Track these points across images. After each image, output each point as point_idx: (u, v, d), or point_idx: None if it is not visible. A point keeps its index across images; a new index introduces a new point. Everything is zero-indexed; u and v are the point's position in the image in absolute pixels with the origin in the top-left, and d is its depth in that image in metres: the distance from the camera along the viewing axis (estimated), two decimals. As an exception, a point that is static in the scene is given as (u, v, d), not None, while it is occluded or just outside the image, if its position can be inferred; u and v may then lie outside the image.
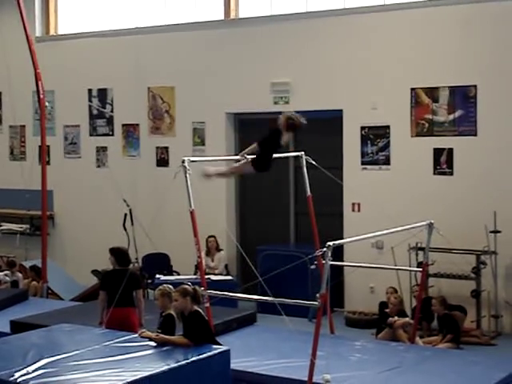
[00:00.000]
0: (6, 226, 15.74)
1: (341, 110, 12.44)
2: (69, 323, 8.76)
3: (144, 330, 7.80)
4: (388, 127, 12.11)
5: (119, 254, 9.46)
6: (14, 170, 15.14)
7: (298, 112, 12.48)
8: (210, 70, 13.49)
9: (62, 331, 8.39)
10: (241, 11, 13.57)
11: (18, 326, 10.12)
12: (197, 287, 7.77)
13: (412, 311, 10.76)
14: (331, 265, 7.54)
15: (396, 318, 10.35)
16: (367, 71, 12.17)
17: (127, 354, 7.17)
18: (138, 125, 14.41)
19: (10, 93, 14.53)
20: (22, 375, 6.53)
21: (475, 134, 11.52)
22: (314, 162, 10.31)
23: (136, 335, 7.82)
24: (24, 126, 15.65)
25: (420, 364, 8.86)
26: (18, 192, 14.69)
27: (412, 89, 11.88)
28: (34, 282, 13.21)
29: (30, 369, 6.69)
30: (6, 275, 13.47)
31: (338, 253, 11.22)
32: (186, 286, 7.69)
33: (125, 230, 13.17)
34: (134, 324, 9.02)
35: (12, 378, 6.47)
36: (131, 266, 11.11)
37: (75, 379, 6.49)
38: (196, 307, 7.61)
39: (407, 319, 10.34)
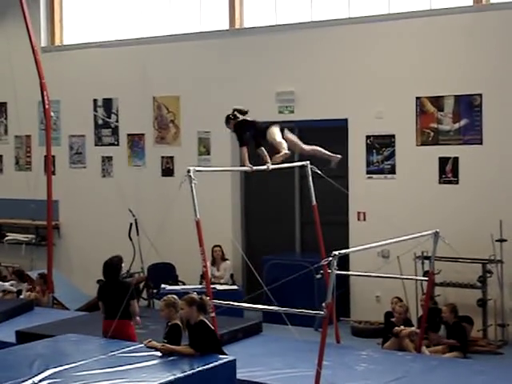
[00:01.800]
0: (12, 236, 15.74)
1: (346, 119, 12.44)
2: (74, 333, 8.76)
3: (150, 340, 7.78)
4: (393, 136, 12.10)
5: (104, 266, 9.23)
6: (19, 180, 15.17)
7: (302, 121, 12.60)
8: (215, 79, 13.50)
9: (67, 341, 8.40)
10: (246, 21, 13.59)
11: (23, 336, 10.10)
12: (203, 296, 7.76)
13: (418, 320, 10.73)
14: (337, 274, 7.53)
15: (402, 327, 10.32)
16: (372, 80, 12.18)
17: (133, 364, 7.17)
18: (143, 134, 14.42)
19: (16, 103, 14.57)
20: (27, 385, 6.53)
21: (481, 143, 11.50)
22: (319, 171, 10.30)
23: (142, 345, 7.80)
24: (29, 136, 15.67)
25: (427, 374, 8.83)
26: (24, 202, 14.70)
27: (417, 98, 11.88)
28: (36, 293, 13.14)
29: (36, 379, 6.70)
30: (11, 285, 13.47)
31: (344, 262, 11.20)
32: (193, 295, 7.69)
33: (130, 239, 13.17)
34: (131, 336, 8.83)
35: (18, 389, 6.48)
36: (136, 275, 11.16)
37: (81, 389, 6.49)
38: (202, 317, 7.60)
39: (413, 328, 10.32)
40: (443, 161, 11.73)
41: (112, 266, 9.25)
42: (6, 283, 13.59)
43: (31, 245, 15.32)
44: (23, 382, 6.61)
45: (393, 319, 10.56)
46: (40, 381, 6.67)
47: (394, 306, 10.70)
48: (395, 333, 10.26)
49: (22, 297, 13.18)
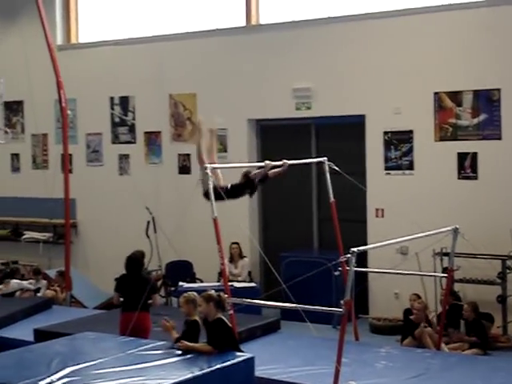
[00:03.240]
0: (29, 234, 15.78)
1: (363, 115, 12.38)
2: (92, 331, 8.76)
3: (170, 323, 7.79)
4: (411, 132, 12.03)
5: (126, 260, 9.51)
6: (36, 178, 15.19)
7: (319, 118, 12.56)
8: (231, 76, 13.47)
9: (85, 339, 8.39)
10: (262, 17, 13.55)
11: (41, 335, 10.12)
12: (221, 294, 7.74)
13: (438, 317, 10.66)
14: (355, 271, 7.48)
15: (422, 324, 10.24)
16: (390, 76, 12.11)
17: (151, 361, 7.17)
18: (159, 132, 14.41)
19: (32, 101, 14.58)
20: (46, 384, 6.53)
21: (499, 138, 11.42)
22: (336, 168, 10.25)
23: (160, 343, 7.78)
24: (46, 135, 15.69)
25: (446, 371, 8.79)
26: (41, 201, 14.71)
27: (435, 93, 11.81)
28: (53, 292, 13.17)
29: (54, 377, 6.70)
30: (30, 283, 13.50)
31: (362, 259, 11.15)
32: (211, 292, 7.67)
33: (148, 237, 13.16)
34: (147, 329, 9.06)
35: (36, 387, 6.47)
36: (154, 273, 11.17)
37: (99, 388, 6.48)
38: (220, 314, 7.58)
39: (428, 329, 10.24)
40: (462, 156, 11.65)
41: (136, 259, 9.50)
42: (25, 282, 13.63)
43: (49, 243, 15.35)
44: (41, 380, 6.61)
45: (411, 316, 10.50)
46: (58, 379, 6.66)
47: (413, 303, 10.65)
48: (418, 335, 10.17)
49: (39, 295, 13.21)
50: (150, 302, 9.24)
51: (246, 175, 9.20)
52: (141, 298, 8.93)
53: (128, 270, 9.47)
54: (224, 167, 9.93)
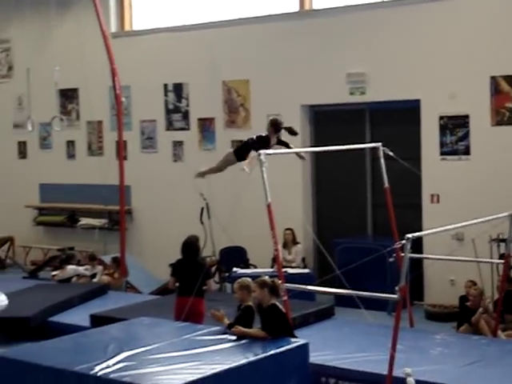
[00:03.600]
0: (85, 220, 15.95)
1: (418, 100, 12.25)
2: (148, 316, 8.83)
3: (221, 312, 7.82)
4: (467, 116, 11.87)
5: (183, 245, 9.65)
6: (91, 165, 15.34)
7: (374, 103, 12.47)
8: (284, 62, 13.43)
9: (141, 325, 8.47)
10: (315, 2, 13.47)
11: (97, 320, 10.25)
12: (275, 280, 7.74)
13: (494, 304, 10.54)
14: (410, 257, 7.42)
15: (479, 311, 10.11)
16: (445, 60, 11.96)
17: (206, 347, 7.21)
18: (213, 119, 14.44)
19: (87, 89, 14.69)
20: (102, 369, 6.61)
21: (558, 122, 11.23)
22: (391, 153, 10.17)
23: (214, 328, 7.81)
24: (101, 122, 15.82)
25: (503, 358, 8.70)
26: (96, 187, 14.84)
27: (492, 77, 11.63)
28: (109, 277, 13.32)
29: (111, 362, 6.77)
30: (85, 269, 13.66)
31: (417, 245, 11.02)
32: (265, 278, 7.69)
33: (202, 223, 13.21)
34: (201, 313, 9.17)
35: (92, 372, 6.55)
36: (208, 259, 11.22)
37: (155, 372, 6.54)
38: (274, 300, 7.58)
39: (484, 315, 10.11)
40: (519, 141, 11.48)
41: (191, 244, 9.65)
42: (81, 267, 13.81)
43: (104, 229, 15.50)
44: (98, 365, 6.69)
45: (468, 303, 10.39)
46: (114, 364, 6.73)
47: (469, 290, 10.53)
48: (476, 321, 10.06)
49: (95, 280, 13.36)
50: (204, 287, 9.31)
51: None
52: (196, 282, 9.04)
53: (184, 255, 9.57)
54: (277, 153, 9.92)
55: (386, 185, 10.35)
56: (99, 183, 14.35)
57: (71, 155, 16.43)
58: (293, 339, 7.46)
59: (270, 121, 9.42)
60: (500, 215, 9.16)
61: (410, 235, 7.31)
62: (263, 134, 9.26)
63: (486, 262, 10.85)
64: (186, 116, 14.80)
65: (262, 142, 9.10)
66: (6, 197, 17.11)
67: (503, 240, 10.45)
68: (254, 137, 9.28)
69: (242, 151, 9.39)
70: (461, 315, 10.48)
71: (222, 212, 12.48)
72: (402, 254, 7.53)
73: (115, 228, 14.89)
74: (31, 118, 14.09)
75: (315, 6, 13.45)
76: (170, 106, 14.97)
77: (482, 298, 10.46)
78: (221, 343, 7.33)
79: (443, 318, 11.37)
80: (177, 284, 9.50)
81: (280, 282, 8.11)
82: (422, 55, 12.16)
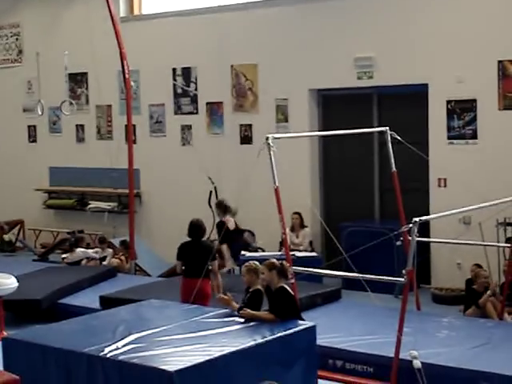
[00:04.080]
0: (95, 204, 16.03)
1: (426, 84, 12.25)
2: (157, 299, 8.90)
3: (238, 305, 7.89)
4: (475, 101, 11.88)
5: (189, 227, 9.73)
6: (101, 149, 15.41)
7: (381, 87, 12.47)
8: (292, 46, 13.44)
9: (150, 307, 8.53)
10: (323, -14, 13.47)
11: (107, 302, 10.35)
12: (284, 262, 7.80)
13: (500, 287, 10.59)
14: (417, 241, 7.48)
15: (487, 294, 10.15)
16: (452, 44, 11.96)
17: (214, 329, 7.26)
18: (221, 103, 14.47)
19: (96, 73, 14.74)
20: (111, 350, 6.67)
21: None
22: (398, 138, 10.21)
23: (223, 311, 7.88)
24: (110, 106, 15.87)
25: (509, 341, 8.74)
26: (106, 171, 14.94)
27: (499, 61, 11.63)
28: (118, 260, 13.42)
29: (120, 344, 6.83)
30: (95, 252, 13.76)
31: (424, 229, 11.08)
32: (273, 260, 7.73)
33: (210, 207, 13.28)
34: (207, 295, 9.28)
35: (102, 353, 6.62)
36: (216, 242, 11.29)
37: (164, 354, 6.60)
38: (282, 283, 7.64)
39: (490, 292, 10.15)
40: (526, 125, 11.50)
41: (198, 225, 9.73)
42: (90, 250, 13.90)
43: (113, 213, 15.59)
44: (107, 346, 6.75)
45: (474, 286, 10.44)
46: (123, 345, 6.79)
47: (479, 271, 10.53)
48: (483, 304, 10.10)
49: (104, 263, 13.46)
50: (210, 268, 9.41)
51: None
52: (202, 264, 9.16)
53: (191, 236, 9.64)
54: (285, 137, 9.97)
55: (394, 169, 10.39)
56: (108, 167, 14.44)
57: (80, 139, 16.49)
58: (300, 321, 7.52)
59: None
60: (507, 199, 9.18)
61: (417, 219, 7.37)
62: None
63: (492, 245, 10.89)
64: (194, 100, 14.83)
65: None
66: (16, 180, 17.20)
67: (510, 224, 10.52)
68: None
69: None
70: (467, 298, 10.53)
71: (229, 196, 12.56)
72: (409, 238, 7.59)
73: (124, 211, 14.97)
74: (41, 102, 14.14)
75: (323, -10, 13.44)
76: (179, 90, 15.00)
77: (489, 281, 10.52)
78: (229, 325, 7.38)
79: (450, 301, 11.42)
80: (183, 267, 9.58)
81: (288, 265, 8.18)
82: (430, 39, 12.16)
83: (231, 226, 11.98)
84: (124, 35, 13.10)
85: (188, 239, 9.75)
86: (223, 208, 12.26)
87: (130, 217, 13.32)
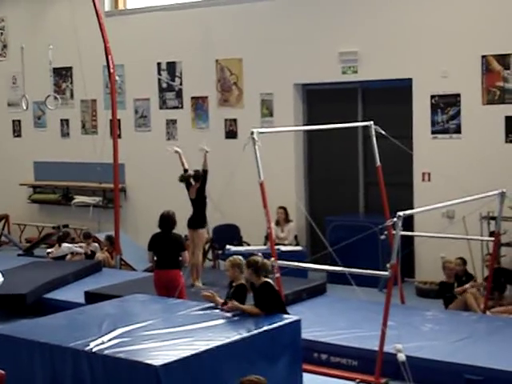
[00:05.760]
0: (79, 198, 15.99)
1: (410, 79, 12.31)
2: (142, 293, 8.91)
3: (213, 295, 7.91)
4: (458, 95, 11.94)
5: (160, 218, 9.87)
6: (86, 143, 15.35)
7: (366, 82, 12.48)
8: (277, 41, 13.45)
9: (135, 301, 8.54)
10: (308, -19, 13.49)
11: (92, 297, 10.35)
12: (265, 260, 7.78)
13: (484, 281, 10.66)
14: (401, 235, 7.52)
15: (468, 285, 10.22)
16: (437, 39, 12.01)
17: (200, 323, 7.27)
18: (206, 97, 14.48)
19: (81, 67, 14.68)
20: (97, 345, 6.67)
21: (548, 101, 11.30)
22: (383, 132, 10.26)
23: (208, 305, 7.89)
24: (95, 100, 15.84)
25: (492, 334, 8.82)
26: (91, 165, 14.91)
27: (483, 56, 11.68)
28: (105, 254, 13.42)
29: (105, 338, 6.83)
30: (80, 247, 13.74)
31: (409, 223, 11.16)
32: (254, 258, 7.70)
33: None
34: (179, 285, 9.37)
35: (87, 348, 6.62)
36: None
37: (149, 348, 6.61)
38: (265, 278, 7.65)
39: (472, 283, 10.23)
40: (510, 120, 11.55)
41: (168, 217, 9.84)
42: (75, 245, 13.88)
43: (98, 207, 15.57)
44: (93, 341, 6.75)
45: (443, 280, 10.49)
46: (109, 340, 6.79)
47: (442, 264, 10.61)
48: (459, 292, 10.19)
49: (97, 256, 13.42)
50: (180, 258, 9.55)
51: None
52: (172, 255, 9.43)
53: (161, 228, 9.77)
54: (270, 131, 9.99)
55: (378, 163, 10.44)
56: (93, 161, 14.41)
57: (65, 133, 16.45)
58: (285, 315, 7.54)
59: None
60: (490, 193, 9.27)
61: (401, 213, 7.42)
62: None
63: (476, 239, 10.96)
64: (179, 94, 14.83)
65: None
66: (0, 175, 17.16)
67: (493, 218, 10.56)
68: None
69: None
70: (441, 294, 10.54)
71: (215, 190, 12.55)
72: (394, 232, 7.65)
73: (109, 206, 14.97)
74: (25, 96, 14.09)
75: (308, -15, 13.46)
76: (164, 85, 15.00)
77: (462, 267, 10.53)
78: (214, 319, 7.39)
79: (434, 295, 11.46)
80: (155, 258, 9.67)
81: (273, 259, 8.20)
82: (414, 34, 12.20)
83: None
84: (109, 30, 13.08)
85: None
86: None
87: (115, 211, 13.32)
